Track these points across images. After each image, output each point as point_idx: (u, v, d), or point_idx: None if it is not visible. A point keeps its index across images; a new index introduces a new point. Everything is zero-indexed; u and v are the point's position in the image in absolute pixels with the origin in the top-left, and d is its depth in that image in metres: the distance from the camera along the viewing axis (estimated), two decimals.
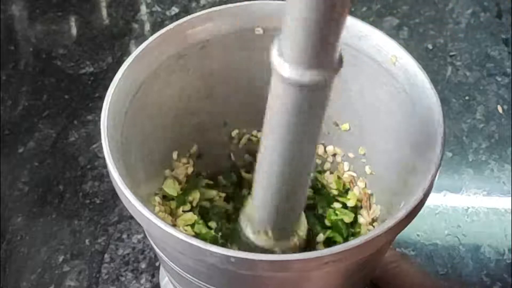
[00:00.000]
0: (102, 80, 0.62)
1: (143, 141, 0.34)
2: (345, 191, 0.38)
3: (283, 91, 0.24)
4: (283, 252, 0.32)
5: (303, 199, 0.31)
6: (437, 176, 0.28)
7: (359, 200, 0.38)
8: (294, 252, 0.33)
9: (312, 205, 0.38)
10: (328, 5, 0.21)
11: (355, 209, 0.38)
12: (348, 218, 0.37)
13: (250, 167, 0.39)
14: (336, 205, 0.38)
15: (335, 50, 0.24)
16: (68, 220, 0.52)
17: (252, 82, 0.37)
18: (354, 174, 0.38)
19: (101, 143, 0.29)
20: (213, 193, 0.39)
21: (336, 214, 0.37)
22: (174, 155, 0.38)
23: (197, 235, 0.36)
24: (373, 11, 0.69)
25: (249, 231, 0.32)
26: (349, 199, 0.38)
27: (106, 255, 0.50)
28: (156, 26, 0.68)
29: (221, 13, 0.34)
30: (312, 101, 0.25)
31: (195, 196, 0.38)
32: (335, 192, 0.38)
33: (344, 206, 0.38)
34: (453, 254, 0.50)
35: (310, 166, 0.29)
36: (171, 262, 0.31)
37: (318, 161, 0.39)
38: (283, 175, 0.28)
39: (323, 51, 0.23)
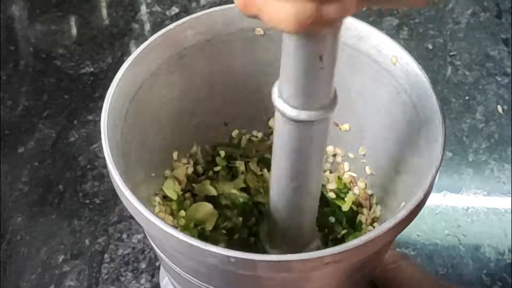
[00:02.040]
0: (102, 80, 0.62)
1: (143, 141, 0.34)
2: (344, 192, 0.38)
3: (285, 127, 0.27)
4: None
5: (310, 219, 0.33)
6: (437, 176, 0.28)
7: (354, 204, 0.38)
8: None
9: None
10: (316, 58, 0.23)
11: (355, 211, 0.38)
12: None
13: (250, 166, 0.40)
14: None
15: (328, 93, 0.26)
16: (68, 220, 0.52)
17: (252, 82, 0.37)
18: (354, 175, 0.38)
19: (101, 143, 0.29)
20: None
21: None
22: (174, 155, 0.38)
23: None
24: (373, 11, 0.69)
25: (268, 248, 0.34)
26: (344, 202, 0.38)
27: (106, 255, 0.50)
28: (156, 26, 0.68)
29: (221, 13, 0.34)
30: (311, 134, 0.27)
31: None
32: (332, 195, 0.38)
33: (339, 209, 0.38)
34: (453, 254, 0.50)
35: (315, 189, 0.31)
36: (171, 262, 0.31)
37: None
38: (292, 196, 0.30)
39: (315, 96, 0.25)
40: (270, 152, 0.40)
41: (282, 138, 0.28)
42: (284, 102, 0.26)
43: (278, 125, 0.27)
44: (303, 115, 0.26)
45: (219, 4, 0.34)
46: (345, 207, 0.37)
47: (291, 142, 0.27)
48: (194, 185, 0.38)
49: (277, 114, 0.27)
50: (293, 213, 0.31)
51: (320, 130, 0.27)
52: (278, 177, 0.30)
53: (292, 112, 0.26)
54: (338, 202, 0.38)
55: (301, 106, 0.25)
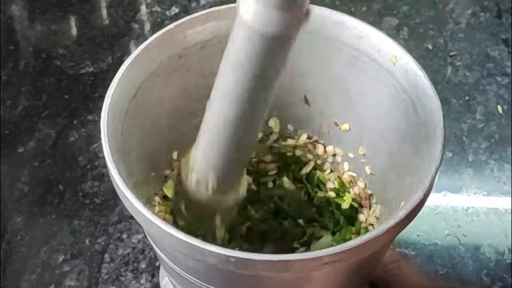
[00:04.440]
0: (102, 80, 0.62)
1: (143, 141, 0.34)
2: (343, 191, 0.38)
3: (244, 38, 0.25)
4: (222, 207, 0.32)
5: (246, 154, 0.31)
6: (437, 176, 0.28)
7: (354, 201, 0.38)
8: (233, 209, 0.33)
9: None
10: None
11: (354, 210, 0.38)
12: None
13: (250, 166, 0.40)
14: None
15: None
16: (68, 220, 0.52)
17: None
18: (354, 174, 0.38)
19: (101, 143, 0.29)
20: None
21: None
22: (174, 155, 0.38)
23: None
24: (373, 11, 0.69)
25: (191, 182, 0.32)
26: (344, 200, 0.38)
27: (106, 255, 0.50)
28: (156, 26, 0.68)
29: (221, 13, 0.34)
30: (271, 51, 0.25)
31: None
32: (332, 194, 0.38)
33: (339, 208, 0.38)
34: (453, 254, 0.50)
35: (258, 119, 0.29)
36: (171, 262, 0.31)
37: (319, 162, 0.40)
38: (230, 123, 0.28)
39: None
40: (270, 153, 0.40)
41: (236, 52, 0.25)
42: (249, 6, 0.23)
43: (236, 36, 0.25)
44: (271, 21, 0.23)
45: (219, 4, 0.34)
46: (345, 205, 0.37)
47: (243, 57, 0.25)
48: None
49: (236, 25, 0.25)
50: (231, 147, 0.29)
51: (281, 48, 0.25)
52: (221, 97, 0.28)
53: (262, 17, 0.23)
54: (338, 200, 0.38)
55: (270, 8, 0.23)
